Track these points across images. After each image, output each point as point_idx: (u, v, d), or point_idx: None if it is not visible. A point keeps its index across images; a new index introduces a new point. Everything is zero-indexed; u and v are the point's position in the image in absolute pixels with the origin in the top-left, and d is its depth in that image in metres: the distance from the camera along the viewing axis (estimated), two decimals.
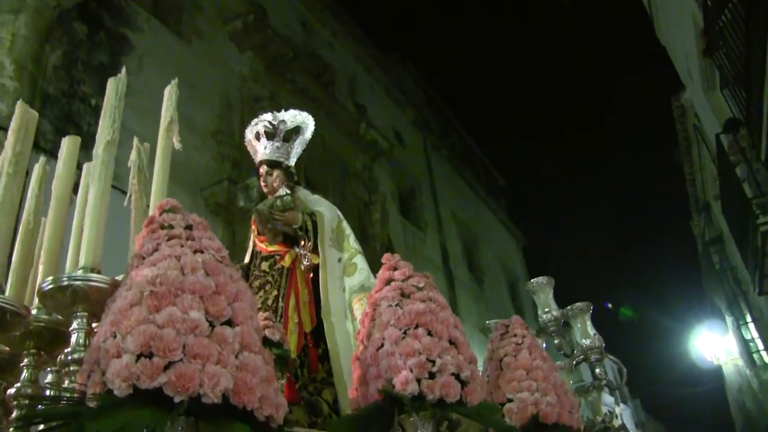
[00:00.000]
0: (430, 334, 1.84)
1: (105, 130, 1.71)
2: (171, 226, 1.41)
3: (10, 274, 2.03)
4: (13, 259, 2.04)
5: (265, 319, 2.66)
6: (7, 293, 1.97)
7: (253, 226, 4.10)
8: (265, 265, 3.88)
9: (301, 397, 3.44)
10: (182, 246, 1.35)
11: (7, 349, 1.86)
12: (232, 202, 10.09)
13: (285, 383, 3.18)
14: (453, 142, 23.33)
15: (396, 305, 1.93)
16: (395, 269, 2.11)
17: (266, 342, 2.51)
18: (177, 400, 1.12)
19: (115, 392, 1.12)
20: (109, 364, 1.14)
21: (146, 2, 11.00)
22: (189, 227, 1.43)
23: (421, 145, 20.53)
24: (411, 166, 19.00)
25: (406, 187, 18.38)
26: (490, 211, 24.73)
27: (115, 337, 1.18)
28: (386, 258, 2.19)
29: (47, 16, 8.21)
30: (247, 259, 4.09)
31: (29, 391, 1.60)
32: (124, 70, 1.89)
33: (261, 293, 3.76)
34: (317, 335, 3.62)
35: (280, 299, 3.69)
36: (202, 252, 1.35)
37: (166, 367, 1.14)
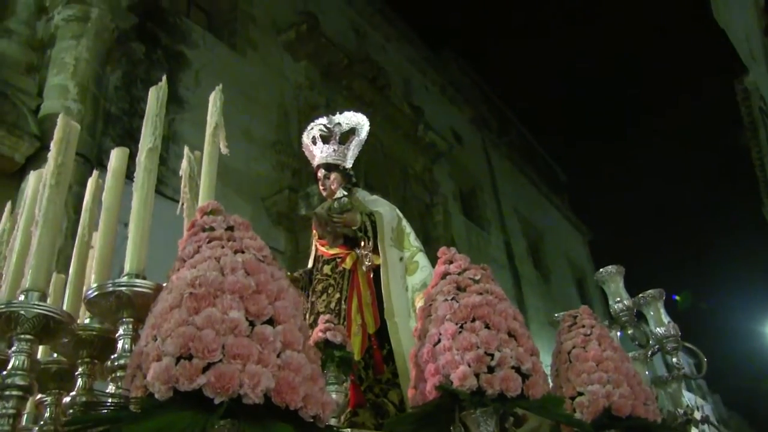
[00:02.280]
0: (487, 326, 1.78)
1: (147, 138, 1.71)
2: (212, 228, 1.40)
3: (67, 286, 2.07)
4: (70, 271, 2.07)
5: (327, 321, 2.63)
6: (64, 305, 2.01)
7: (314, 231, 4.10)
8: (327, 269, 3.87)
9: (366, 399, 3.41)
10: (223, 247, 1.33)
11: (65, 359, 1.89)
12: (293, 210, 10.18)
13: (350, 386, 3.15)
14: (512, 138, 23.06)
15: (452, 299, 1.88)
16: (451, 262, 2.05)
17: (328, 344, 2.49)
18: (217, 401, 1.10)
19: (156, 395, 1.11)
20: (149, 367, 1.13)
21: (200, 18, 11.26)
22: (230, 228, 1.41)
23: (480, 143, 20.36)
24: (471, 166, 18.85)
25: (467, 187, 18.25)
26: (553, 207, 24.34)
27: (155, 340, 1.17)
28: (442, 252, 2.14)
29: (107, 38, 8.45)
30: (310, 264, 4.10)
31: (83, 399, 1.62)
32: (164, 78, 1.90)
33: (324, 296, 3.76)
34: (381, 336, 3.58)
35: (343, 302, 3.67)
36: (243, 252, 1.33)
37: (206, 369, 1.12)
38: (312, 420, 1.20)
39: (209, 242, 1.35)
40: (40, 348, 1.99)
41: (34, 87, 7.81)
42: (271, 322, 1.23)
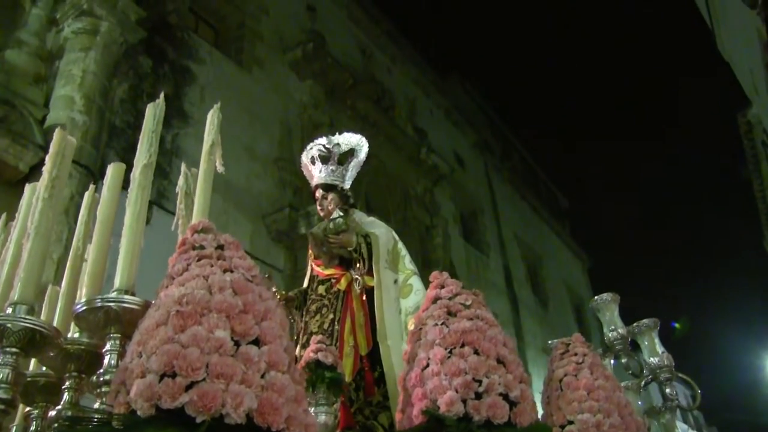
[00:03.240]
0: (476, 352, 1.77)
1: (142, 154, 1.72)
2: (202, 247, 1.41)
3: (60, 298, 2.07)
4: (63, 284, 2.07)
5: (319, 342, 2.63)
6: (56, 318, 2.01)
7: (310, 251, 4.10)
8: (321, 289, 3.86)
9: (356, 422, 3.39)
10: (212, 266, 1.33)
11: (53, 373, 1.88)
12: (293, 228, 10.18)
13: (339, 407, 3.13)
14: (514, 163, 23.10)
15: (442, 324, 1.87)
16: (442, 287, 2.05)
17: (319, 365, 2.48)
18: (199, 420, 1.10)
19: (138, 412, 1.11)
20: (133, 384, 1.13)
21: (208, 34, 11.35)
22: (220, 247, 1.42)
23: (482, 167, 20.40)
24: (472, 189, 18.88)
25: (468, 210, 18.26)
26: (553, 233, 24.33)
27: (140, 356, 1.17)
28: (434, 276, 2.13)
29: (115, 51, 8.52)
30: (305, 284, 4.09)
31: (69, 413, 1.61)
32: (162, 95, 1.91)
33: (318, 317, 3.75)
34: (373, 358, 3.56)
35: (336, 322, 3.66)
36: (231, 271, 1.33)
37: (189, 387, 1.12)
38: None
39: (198, 260, 1.36)
40: (29, 360, 1.99)
41: (41, 97, 7.87)
42: (257, 342, 1.23)
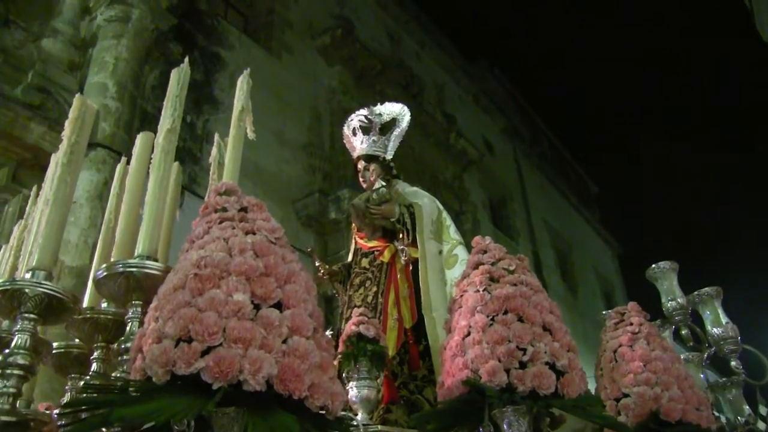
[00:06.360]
0: (521, 319, 1.68)
1: (166, 119, 1.68)
2: (224, 209, 1.35)
3: (92, 270, 2.05)
4: (95, 256, 2.06)
5: (360, 314, 2.55)
6: (88, 289, 1.98)
7: (353, 224, 4.04)
8: (365, 262, 3.79)
9: (401, 396, 3.28)
10: (233, 228, 1.28)
11: (84, 345, 1.87)
12: (323, 214, 10.16)
13: (383, 381, 2.99)
14: (544, 150, 22.82)
15: (484, 290, 1.78)
16: (485, 252, 1.96)
17: (361, 338, 2.41)
18: (215, 386, 1.04)
19: (153, 379, 1.06)
20: (148, 349, 1.08)
21: (237, 21, 11.35)
22: (244, 209, 1.36)
23: (512, 153, 20.20)
24: (502, 175, 18.70)
25: (497, 196, 18.09)
26: (583, 219, 24.01)
27: (157, 321, 1.13)
28: (476, 241, 2.04)
29: (146, 38, 8.59)
30: (349, 258, 4.02)
31: (98, 383, 1.58)
32: (186, 60, 1.87)
33: (361, 290, 3.67)
34: (418, 331, 3.45)
35: (380, 295, 3.57)
36: (254, 233, 1.28)
37: (206, 352, 1.06)
38: (321, 411, 1.14)
39: (220, 223, 1.31)
40: (62, 332, 1.98)
41: (76, 85, 7.94)
42: (279, 306, 1.18)
